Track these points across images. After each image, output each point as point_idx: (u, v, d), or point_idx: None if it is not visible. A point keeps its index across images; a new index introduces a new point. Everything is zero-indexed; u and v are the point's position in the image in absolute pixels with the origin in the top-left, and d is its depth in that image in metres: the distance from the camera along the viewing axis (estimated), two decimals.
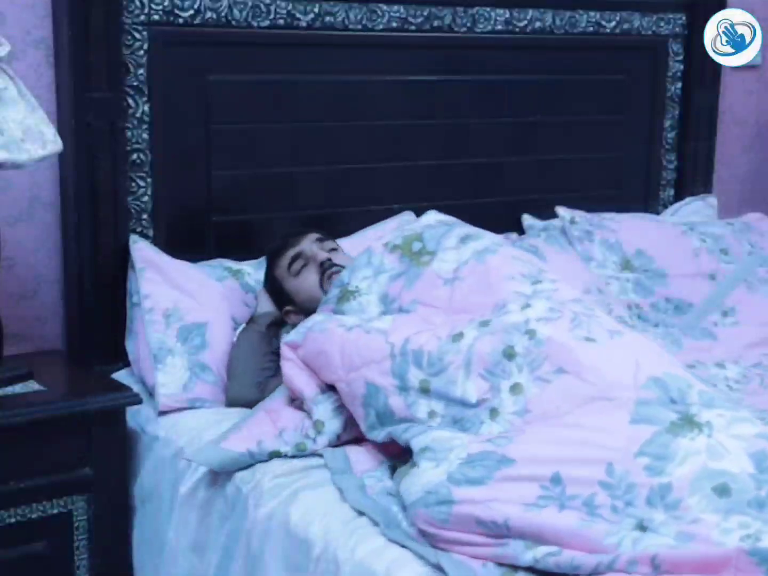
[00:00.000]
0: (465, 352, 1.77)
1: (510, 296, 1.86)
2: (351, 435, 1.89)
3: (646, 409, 1.58)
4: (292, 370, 1.94)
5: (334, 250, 2.28)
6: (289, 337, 1.98)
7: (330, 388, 1.92)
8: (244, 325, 2.25)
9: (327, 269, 2.20)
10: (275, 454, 1.85)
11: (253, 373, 2.12)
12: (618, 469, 1.51)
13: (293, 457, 1.86)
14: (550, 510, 1.48)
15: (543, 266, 2.01)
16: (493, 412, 1.69)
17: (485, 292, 1.90)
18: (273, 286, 2.27)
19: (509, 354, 1.74)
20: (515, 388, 1.70)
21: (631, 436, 1.54)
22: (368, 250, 2.08)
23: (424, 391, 1.76)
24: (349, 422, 1.88)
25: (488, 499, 1.51)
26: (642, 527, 1.45)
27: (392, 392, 1.79)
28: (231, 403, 2.12)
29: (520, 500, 1.50)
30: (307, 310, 2.16)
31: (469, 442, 1.63)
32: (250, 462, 1.84)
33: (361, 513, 1.67)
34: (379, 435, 1.80)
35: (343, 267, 2.17)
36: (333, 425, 1.88)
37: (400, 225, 2.50)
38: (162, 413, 2.12)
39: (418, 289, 1.97)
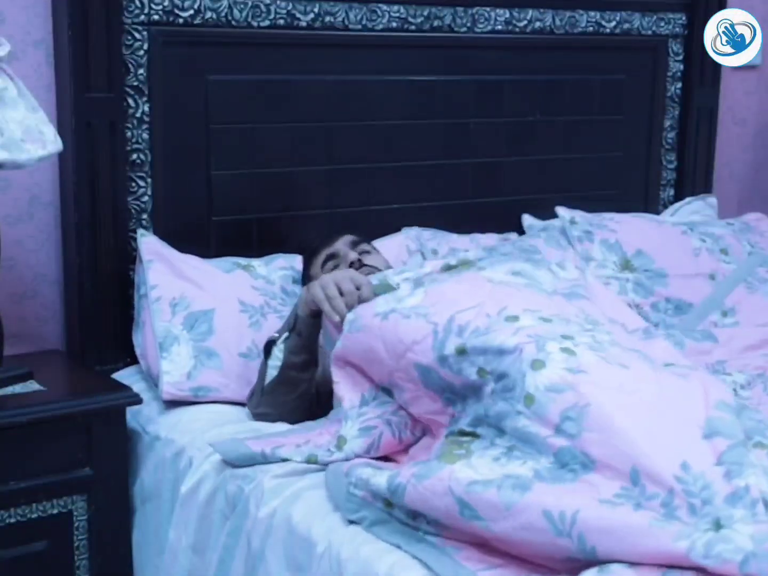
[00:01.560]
0: (517, 327, 1.69)
1: (573, 321, 1.78)
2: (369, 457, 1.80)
3: (717, 424, 1.52)
4: (337, 378, 1.87)
5: (366, 252, 2.28)
6: (336, 346, 1.89)
7: (377, 394, 1.85)
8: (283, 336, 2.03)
9: (356, 269, 2.15)
10: (286, 461, 1.81)
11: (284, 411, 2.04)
12: (694, 467, 1.44)
13: None
14: (625, 508, 1.41)
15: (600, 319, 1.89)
16: (537, 364, 1.59)
17: (545, 305, 1.82)
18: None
19: (568, 337, 1.65)
20: (566, 350, 1.61)
21: (705, 450, 1.48)
22: (422, 263, 2.05)
23: (460, 352, 1.69)
24: (374, 446, 1.80)
25: (565, 493, 1.45)
26: (718, 525, 1.37)
27: (437, 366, 1.73)
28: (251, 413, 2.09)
29: (597, 496, 1.44)
30: None
31: (553, 442, 1.54)
32: (262, 461, 1.82)
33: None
34: (466, 419, 1.70)
35: (374, 268, 2.18)
36: (353, 444, 1.79)
37: (407, 239, 2.58)
38: (165, 408, 2.13)
39: (458, 278, 1.90)
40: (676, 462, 1.45)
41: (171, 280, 2.24)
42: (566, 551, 1.40)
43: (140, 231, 2.31)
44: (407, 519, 1.58)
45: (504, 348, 1.65)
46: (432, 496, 1.52)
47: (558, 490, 1.46)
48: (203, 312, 2.21)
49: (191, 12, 2.34)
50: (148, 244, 2.28)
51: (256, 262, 2.39)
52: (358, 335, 1.84)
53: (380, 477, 1.60)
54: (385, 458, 1.83)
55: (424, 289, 1.86)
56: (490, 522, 1.46)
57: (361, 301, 1.87)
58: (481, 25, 2.73)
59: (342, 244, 2.27)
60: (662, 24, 3.03)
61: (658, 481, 1.43)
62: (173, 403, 2.13)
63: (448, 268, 1.97)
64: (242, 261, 2.38)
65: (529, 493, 1.45)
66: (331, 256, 2.24)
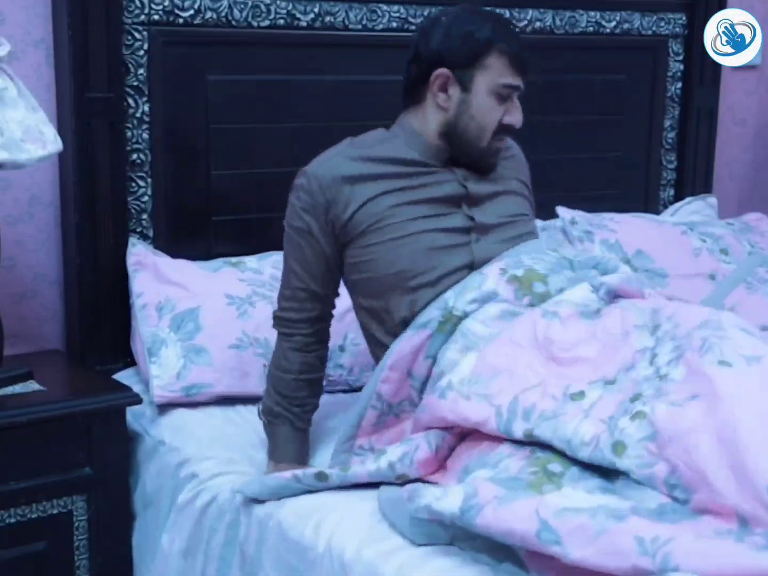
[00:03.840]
0: (586, 408, 1.56)
1: (636, 356, 1.62)
2: (406, 469, 1.68)
3: None
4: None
5: None
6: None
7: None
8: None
9: (504, 132, 1.95)
10: (320, 476, 1.72)
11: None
12: None
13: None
14: (725, 539, 1.31)
15: (657, 303, 1.74)
16: (618, 446, 1.46)
17: (601, 351, 1.67)
18: (464, 51, 1.87)
19: (635, 398, 1.52)
20: (638, 415, 1.47)
21: None
22: (482, 273, 1.83)
23: (528, 436, 1.56)
24: (408, 455, 1.69)
25: (663, 527, 1.35)
26: None
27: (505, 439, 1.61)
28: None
29: (698, 532, 1.33)
30: (455, 127, 1.91)
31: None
32: (296, 485, 1.73)
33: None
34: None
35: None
36: (390, 455, 1.70)
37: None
38: (162, 410, 2.13)
39: (512, 334, 1.73)
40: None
41: (156, 286, 2.25)
42: (642, 573, 1.30)
43: (131, 240, 2.31)
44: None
45: (575, 443, 1.51)
46: (513, 518, 1.40)
47: (657, 524, 1.36)
48: (189, 311, 2.21)
49: (191, 12, 2.34)
50: (135, 255, 2.28)
51: (247, 259, 2.39)
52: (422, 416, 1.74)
53: (450, 498, 1.49)
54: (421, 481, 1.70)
55: (476, 355, 1.71)
56: (571, 547, 1.34)
57: None
58: None
59: (521, 90, 1.93)
60: (662, 24, 3.03)
61: (763, 522, 1.31)
62: (174, 405, 2.14)
63: (514, 279, 1.81)
64: (233, 259, 2.38)
65: (624, 522, 1.35)
66: (517, 89, 1.92)
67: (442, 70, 1.89)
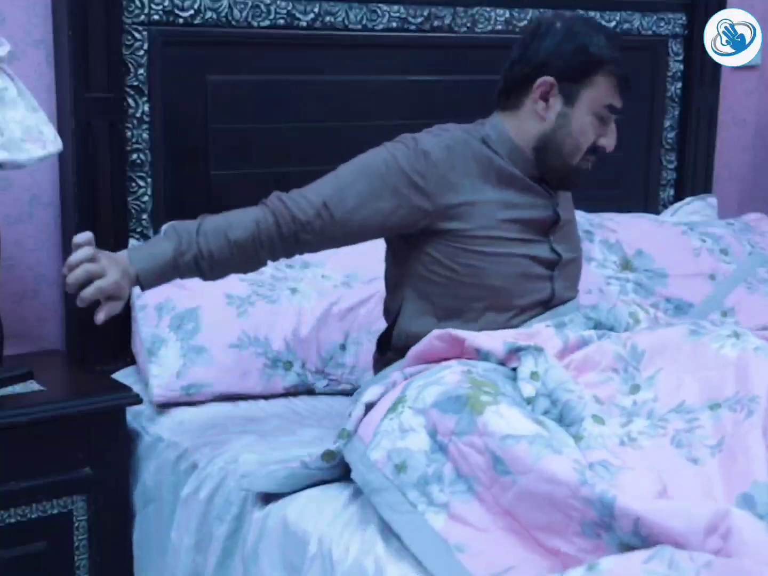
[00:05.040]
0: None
1: (612, 409, 1.65)
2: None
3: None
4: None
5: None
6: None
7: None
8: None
9: (594, 153, 1.94)
10: (327, 455, 1.70)
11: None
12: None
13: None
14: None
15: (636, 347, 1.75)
16: (597, 419, 1.57)
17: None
18: (576, 64, 1.84)
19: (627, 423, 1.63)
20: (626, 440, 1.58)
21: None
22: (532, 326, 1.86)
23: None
24: (387, 392, 1.74)
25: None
26: None
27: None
28: None
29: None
30: (550, 141, 1.89)
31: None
32: (305, 472, 1.72)
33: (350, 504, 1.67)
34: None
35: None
36: (369, 394, 1.73)
37: None
38: (161, 409, 2.13)
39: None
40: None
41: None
42: (582, 505, 1.37)
43: (131, 243, 2.30)
44: (413, 489, 1.52)
45: (571, 386, 1.62)
46: (473, 452, 1.50)
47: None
48: (189, 311, 2.21)
49: (191, 12, 2.34)
50: None
51: None
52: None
53: (415, 437, 1.57)
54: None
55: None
56: (518, 475, 1.43)
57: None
58: (481, 25, 2.73)
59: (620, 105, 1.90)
60: (662, 24, 3.03)
61: None
62: (174, 404, 2.14)
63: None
64: None
65: (560, 454, 1.44)
66: (616, 112, 1.90)
67: (548, 78, 1.84)
